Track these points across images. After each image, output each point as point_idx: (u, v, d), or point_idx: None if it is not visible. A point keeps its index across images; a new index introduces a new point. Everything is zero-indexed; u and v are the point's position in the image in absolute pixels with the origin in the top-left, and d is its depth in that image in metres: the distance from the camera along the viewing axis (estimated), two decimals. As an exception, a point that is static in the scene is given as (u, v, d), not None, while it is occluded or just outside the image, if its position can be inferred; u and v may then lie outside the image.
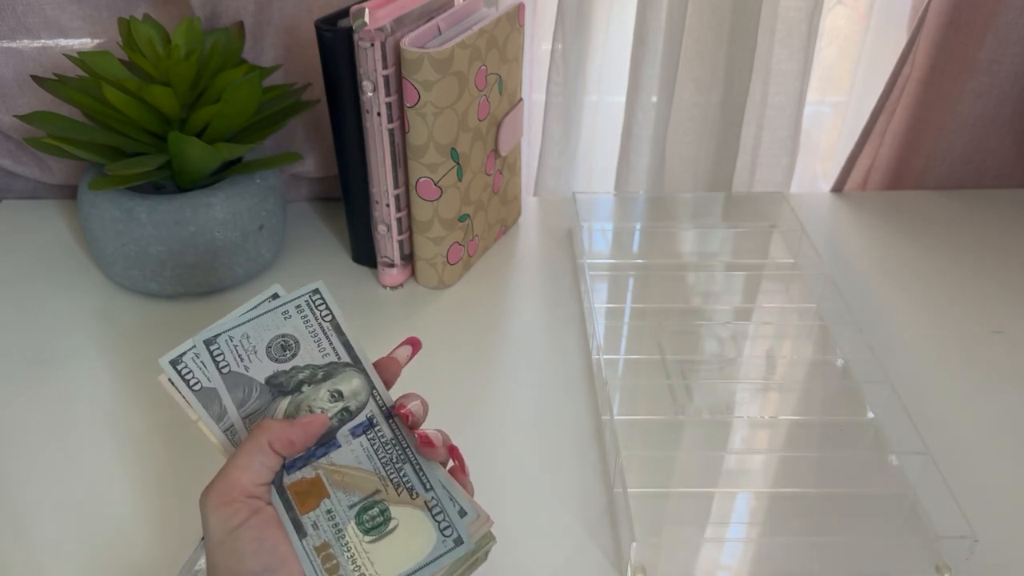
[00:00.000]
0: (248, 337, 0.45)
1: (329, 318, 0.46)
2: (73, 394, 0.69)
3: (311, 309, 0.46)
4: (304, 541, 0.41)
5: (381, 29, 0.67)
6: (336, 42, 0.69)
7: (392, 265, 0.80)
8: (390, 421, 0.45)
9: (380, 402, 0.45)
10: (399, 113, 0.72)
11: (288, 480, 0.42)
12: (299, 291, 0.46)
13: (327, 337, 0.45)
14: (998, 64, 0.88)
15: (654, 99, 0.91)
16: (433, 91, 0.69)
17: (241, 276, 0.79)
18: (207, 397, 0.43)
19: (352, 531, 0.42)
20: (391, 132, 0.72)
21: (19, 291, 0.81)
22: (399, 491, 0.43)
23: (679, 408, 0.69)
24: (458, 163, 0.75)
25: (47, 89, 0.74)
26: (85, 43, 0.84)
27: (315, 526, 0.41)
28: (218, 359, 0.44)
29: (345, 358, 0.45)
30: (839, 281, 0.77)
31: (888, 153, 0.97)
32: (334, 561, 0.41)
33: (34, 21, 0.82)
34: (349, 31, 0.68)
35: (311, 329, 0.45)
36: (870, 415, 0.67)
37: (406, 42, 0.68)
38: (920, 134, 0.95)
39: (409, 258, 0.81)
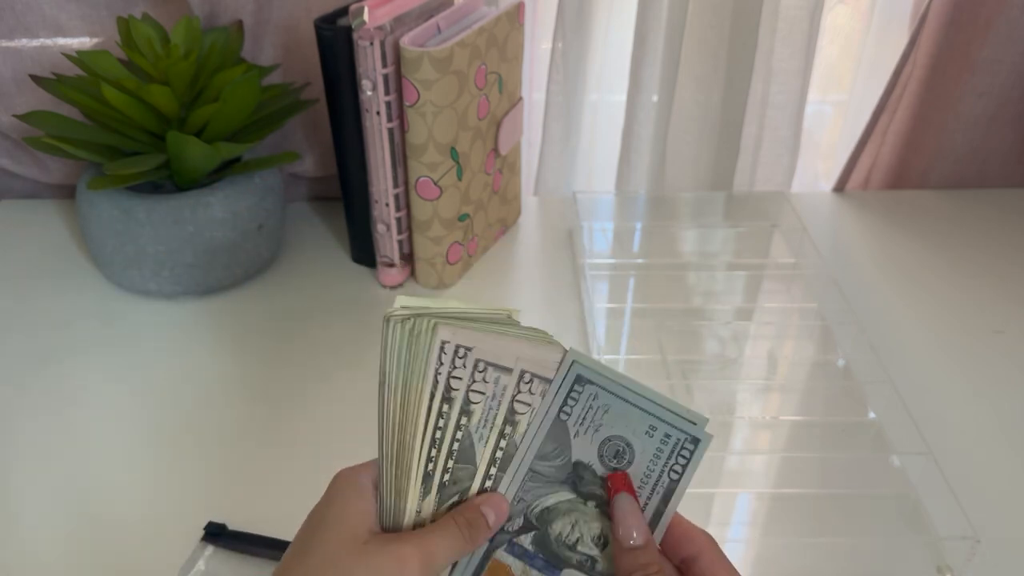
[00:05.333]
0: (608, 411, 0.36)
1: (677, 475, 0.37)
2: (71, 393, 0.69)
3: (673, 450, 0.37)
4: None
5: (380, 28, 0.67)
6: (335, 41, 0.69)
7: (392, 265, 0.80)
8: None
9: None
10: (398, 112, 0.71)
11: None
12: (684, 417, 0.36)
13: (657, 484, 0.37)
14: (999, 63, 0.88)
15: (655, 98, 0.90)
16: (433, 90, 0.68)
17: (240, 276, 0.79)
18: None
19: None
20: (390, 131, 0.72)
21: (17, 291, 0.80)
22: None
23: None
24: (458, 162, 0.75)
25: (46, 88, 0.74)
26: (84, 42, 0.83)
27: None
28: (568, 400, 0.37)
29: (648, 515, 0.37)
30: (840, 281, 0.77)
31: (889, 152, 0.97)
32: None
33: (33, 20, 0.82)
34: (348, 30, 0.68)
35: (653, 464, 0.37)
36: (871, 415, 0.67)
37: (405, 41, 0.68)
38: (921, 133, 0.94)
39: (409, 258, 0.81)
